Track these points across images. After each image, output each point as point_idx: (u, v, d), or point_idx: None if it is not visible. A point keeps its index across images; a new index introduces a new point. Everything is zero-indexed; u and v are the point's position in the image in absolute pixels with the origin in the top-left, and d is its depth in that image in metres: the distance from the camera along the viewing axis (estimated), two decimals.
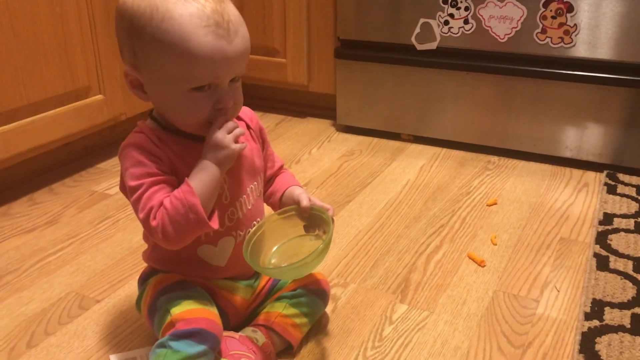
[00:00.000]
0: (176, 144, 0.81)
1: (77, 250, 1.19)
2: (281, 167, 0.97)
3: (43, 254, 1.17)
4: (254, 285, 0.92)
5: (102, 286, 1.08)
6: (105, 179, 1.49)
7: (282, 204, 0.92)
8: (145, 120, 0.84)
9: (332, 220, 0.85)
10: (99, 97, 1.48)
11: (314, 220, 0.87)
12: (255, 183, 0.89)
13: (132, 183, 0.78)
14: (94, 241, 1.22)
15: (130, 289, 1.07)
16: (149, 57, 0.76)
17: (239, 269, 0.89)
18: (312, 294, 0.92)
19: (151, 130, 0.81)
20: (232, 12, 0.76)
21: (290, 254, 0.86)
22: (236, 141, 0.78)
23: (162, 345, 0.78)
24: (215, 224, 0.77)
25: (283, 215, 0.88)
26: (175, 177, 0.80)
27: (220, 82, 0.76)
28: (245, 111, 0.92)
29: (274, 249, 0.87)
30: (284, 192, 0.92)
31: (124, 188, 0.82)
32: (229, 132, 0.78)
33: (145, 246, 0.94)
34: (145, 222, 0.78)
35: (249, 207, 0.88)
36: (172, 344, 0.77)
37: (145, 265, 0.93)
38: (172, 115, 0.80)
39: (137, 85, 0.80)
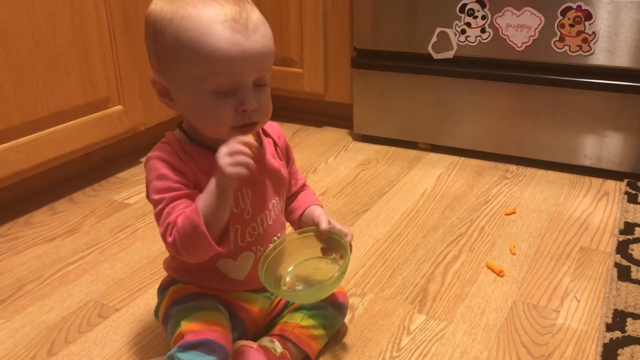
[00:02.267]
0: (202, 158, 0.80)
1: (96, 259, 1.20)
2: (304, 185, 0.97)
3: (63, 263, 1.19)
4: (271, 297, 0.92)
5: (121, 295, 1.09)
6: (125, 189, 1.50)
7: (301, 222, 0.93)
8: (173, 131, 0.84)
9: (350, 246, 0.85)
10: (119, 107, 1.49)
11: (332, 243, 0.87)
12: (277, 198, 0.89)
13: (155, 196, 0.79)
14: (114, 250, 1.23)
15: (149, 297, 1.07)
16: (170, 59, 0.76)
17: (259, 282, 0.89)
18: (331, 306, 0.92)
19: (178, 141, 0.81)
20: (253, 11, 0.76)
21: (304, 275, 0.87)
22: (241, 162, 0.73)
23: (171, 358, 0.78)
24: (225, 247, 0.77)
25: (301, 235, 0.89)
26: (199, 191, 0.79)
27: (241, 82, 0.75)
28: (274, 127, 0.91)
29: (290, 269, 0.87)
30: (304, 211, 0.93)
31: (149, 198, 0.83)
32: (231, 154, 0.73)
33: (166, 254, 0.94)
34: (163, 237, 0.79)
35: (270, 223, 0.88)
36: (181, 355, 0.77)
37: (165, 274, 0.93)
38: (196, 120, 0.79)
39: (165, 93, 0.80)
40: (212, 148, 0.79)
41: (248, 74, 0.75)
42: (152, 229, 1.31)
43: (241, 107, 0.75)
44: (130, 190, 1.50)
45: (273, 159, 0.88)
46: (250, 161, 0.73)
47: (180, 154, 0.80)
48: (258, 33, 0.75)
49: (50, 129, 1.34)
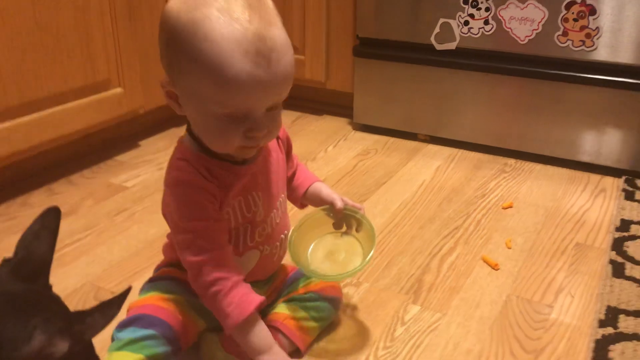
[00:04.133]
0: (223, 173, 0.79)
1: (93, 241, 1.20)
2: (297, 163, 0.98)
3: (60, 245, 1.18)
4: (264, 287, 0.92)
5: (117, 278, 1.09)
6: (123, 171, 1.50)
7: (305, 199, 0.94)
8: (183, 137, 0.81)
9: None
10: (119, 90, 1.49)
11: (344, 219, 0.91)
12: (283, 195, 0.89)
13: (186, 225, 0.77)
14: (111, 233, 1.23)
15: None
16: (183, 73, 0.72)
17: (258, 276, 0.90)
18: (324, 300, 0.92)
19: (196, 157, 0.78)
20: (278, 36, 0.69)
21: (327, 251, 0.91)
22: None
23: (112, 339, 0.79)
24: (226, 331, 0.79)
25: (317, 215, 0.92)
26: (222, 205, 0.79)
27: (254, 109, 0.72)
28: None
29: (310, 247, 0.91)
30: (308, 188, 0.94)
31: (168, 213, 0.82)
32: None
33: (163, 239, 0.94)
34: (191, 268, 0.77)
35: (278, 221, 0.88)
36: (118, 334, 0.78)
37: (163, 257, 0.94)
38: (202, 135, 0.76)
39: (173, 96, 0.76)
40: (229, 160, 0.79)
41: (263, 104, 0.72)
42: (150, 212, 1.31)
43: (250, 133, 0.72)
44: (128, 173, 1.50)
45: (277, 155, 0.87)
46: None
47: (202, 171, 0.77)
48: (280, 64, 0.69)
49: (50, 110, 1.34)
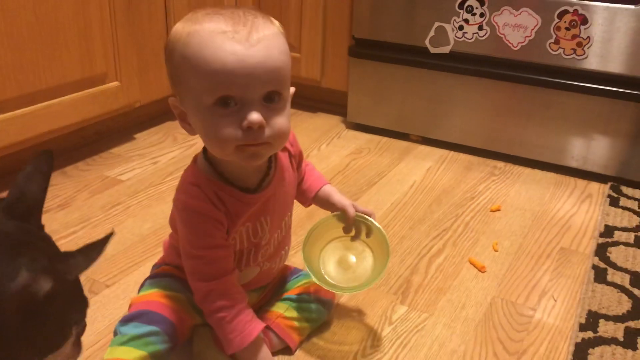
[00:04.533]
0: (233, 202, 0.79)
1: (88, 234, 1.22)
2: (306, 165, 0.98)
3: (55, 237, 1.17)
4: (259, 291, 0.94)
5: (112, 271, 1.11)
6: (118, 165, 1.52)
7: (314, 202, 0.96)
8: (197, 157, 0.82)
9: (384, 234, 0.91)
10: (115, 84, 1.50)
11: (354, 224, 0.92)
12: (289, 214, 0.90)
13: (194, 252, 0.79)
14: (105, 226, 1.25)
15: (139, 275, 1.09)
16: (178, 78, 0.74)
17: (254, 285, 0.92)
18: (317, 302, 0.94)
19: (208, 182, 0.78)
20: (263, 24, 0.71)
21: (338, 257, 0.93)
22: None
23: (115, 332, 0.81)
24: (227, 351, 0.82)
25: (328, 221, 0.93)
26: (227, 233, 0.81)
27: (246, 97, 0.70)
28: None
29: (321, 253, 0.92)
30: (317, 192, 0.94)
31: (174, 224, 0.84)
32: None
33: (163, 235, 0.96)
34: (197, 291, 0.81)
35: (280, 240, 0.89)
36: (121, 329, 0.80)
37: (162, 253, 0.95)
38: (205, 141, 0.76)
39: (184, 117, 0.76)
40: (241, 187, 0.80)
41: (251, 89, 0.70)
42: (144, 207, 1.33)
43: (244, 122, 0.70)
44: (123, 166, 1.51)
45: (289, 175, 0.87)
46: None
47: (212, 198, 0.77)
48: (262, 43, 0.69)
49: (46, 103, 1.35)
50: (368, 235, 0.92)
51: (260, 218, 0.83)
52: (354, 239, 0.93)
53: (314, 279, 0.88)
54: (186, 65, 0.71)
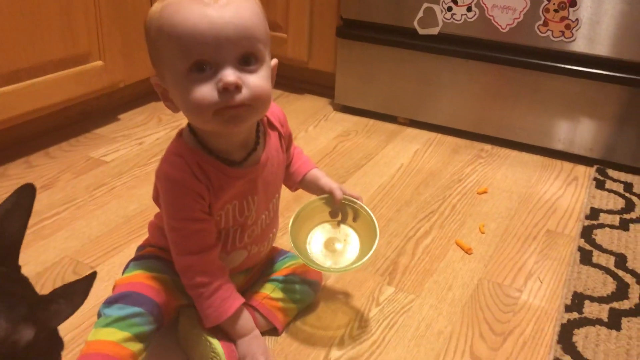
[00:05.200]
0: (216, 174, 0.78)
1: (72, 215, 1.20)
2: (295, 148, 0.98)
3: (38, 218, 1.19)
4: (246, 272, 0.94)
5: (96, 253, 1.09)
6: (102, 145, 1.50)
7: (301, 186, 0.95)
8: (183, 130, 0.82)
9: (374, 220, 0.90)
10: (99, 63, 1.48)
11: (341, 208, 0.92)
12: (277, 195, 0.90)
13: (173, 223, 0.79)
14: (90, 207, 1.23)
15: (124, 257, 1.08)
16: (155, 51, 0.74)
17: (240, 269, 0.91)
18: (304, 283, 0.94)
19: (191, 153, 0.78)
20: None
21: (326, 239, 0.92)
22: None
23: (98, 314, 0.80)
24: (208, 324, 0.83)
25: (314, 204, 0.92)
26: (212, 205, 0.80)
27: (219, 59, 0.70)
28: (279, 115, 0.88)
29: (309, 236, 0.91)
30: (305, 175, 0.94)
31: (157, 199, 0.83)
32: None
33: (147, 217, 0.95)
34: (178, 265, 0.81)
35: (268, 222, 0.89)
36: (105, 310, 0.79)
37: (147, 234, 0.94)
38: (184, 112, 0.75)
39: (166, 95, 0.77)
40: (225, 159, 0.79)
41: (224, 50, 0.70)
42: (129, 188, 1.31)
43: (220, 83, 0.70)
44: (107, 147, 1.49)
45: (278, 155, 0.87)
46: None
47: (194, 169, 0.77)
48: (232, 5, 0.70)
49: (29, 82, 1.32)
50: (355, 219, 0.92)
51: (247, 197, 0.82)
52: (341, 222, 0.92)
53: (301, 259, 0.87)
54: (161, 37, 0.72)
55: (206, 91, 0.70)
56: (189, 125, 0.81)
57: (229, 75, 0.70)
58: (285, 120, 0.90)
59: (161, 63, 0.74)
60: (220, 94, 0.70)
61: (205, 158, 0.78)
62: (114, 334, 0.76)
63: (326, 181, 0.92)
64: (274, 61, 0.79)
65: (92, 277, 0.60)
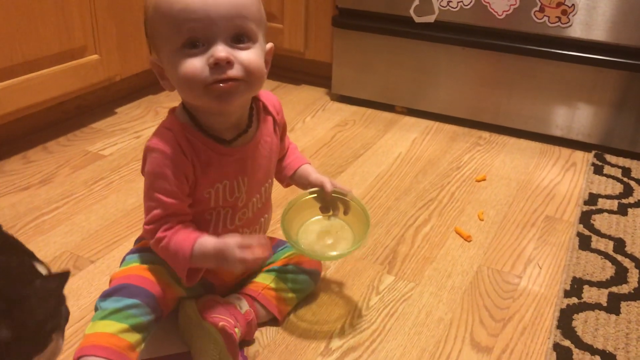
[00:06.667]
0: (204, 150, 0.79)
1: (71, 210, 1.20)
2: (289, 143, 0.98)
3: (38, 213, 1.19)
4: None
5: (96, 247, 1.10)
6: (99, 139, 1.49)
7: (293, 181, 0.95)
8: (176, 108, 0.82)
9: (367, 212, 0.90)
10: (95, 57, 1.47)
11: (330, 202, 0.91)
12: (270, 181, 0.90)
13: (150, 193, 0.79)
14: (88, 202, 1.23)
15: (124, 250, 1.07)
16: (151, 31, 0.76)
17: None
18: (304, 272, 0.94)
19: (181, 127, 0.79)
20: None
21: (316, 232, 0.91)
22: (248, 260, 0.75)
23: (95, 308, 0.81)
24: (190, 283, 0.81)
25: (305, 198, 0.92)
26: (194, 186, 0.80)
27: (210, 35, 0.72)
28: (274, 103, 0.89)
29: (299, 228, 0.91)
30: (296, 170, 0.94)
31: (143, 172, 0.83)
32: (241, 247, 0.75)
33: (141, 209, 0.95)
34: (147, 233, 0.80)
35: (259, 206, 0.89)
36: (101, 304, 0.80)
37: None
38: (177, 88, 0.77)
39: (162, 74, 0.78)
40: (214, 136, 0.79)
41: (215, 27, 0.72)
42: (127, 182, 1.31)
43: (211, 58, 0.71)
44: (104, 141, 1.49)
45: (271, 140, 0.87)
46: (257, 261, 0.75)
47: (182, 144, 0.78)
48: None
49: (25, 77, 1.32)
50: (346, 212, 0.91)
51: (238, 177, 0.83)
52: (332, 216, 0.92)
53: (295, 248, 0.87)
54: (156, 14, 0.74)
55: (198, 66, 0.72)
56: (182, 102, 0.82)
57: (221, 50, 0.72)
58: (280, 109, 0.90)
59: (157, 40, 0.76)
60: (212, 69, 0.72)
61: (195, 134, 0.79)
62: (111, 326, 0.76)
63: (317, 176, 0.93)
64: (270, 45, 0.81)
65: (65, 278, 0.59)
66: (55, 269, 1.02)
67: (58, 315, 0.65)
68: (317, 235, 0.91)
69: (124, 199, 1.25)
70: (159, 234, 0.79)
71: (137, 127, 1.56)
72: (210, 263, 0.79)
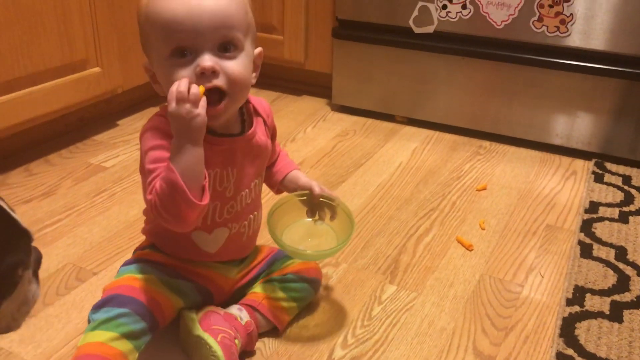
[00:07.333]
0: None
1: (74, 222, 1.21)
2: (280, 151, 0.99)
3: (40, 225, 1.19)
4: (239, 265, 0.94)
5: (99, 258, 1.10)
6: (101, 152, 1.50)
7: (282, 186, 0.96)
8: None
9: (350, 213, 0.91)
10: (97, 69, 1.48)
11: (317, 206, 0.93)
12: (259, 179, 0.91)
13: (149, 166, 0.79)
14: (91, 214, 1.24)
15: None
16: (144, 37, 0.79)
17: (229, 256, 0.92)
18: (303, 281, 0.94)
19: None
20: None
21: (300, 235, 0.92)
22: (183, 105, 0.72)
23: (88, 321, 0.81)
24: (205, 199, 0.75)
25: (293, 200, 0.93)
26: None
27: (197, 45, 0.74)
28: (264, 106, 0.91)
29: (285, 230, 0.91)
30: (286, 175, 0.96)
31: (143, 170, 0.83)
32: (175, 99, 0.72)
33: (143, 220, 0.95)
34: (149, 205, 0.79)
35: (249, 202, 0.89)
36: (93, 316, 0.81)
37: (143, 238, 0.95)
38: (167, 94, 0.77)
39: (154, 78, 0.81)
40: (207, 130, 0.79)
41: (202, 37, 0.74)
42: (130, 193, 1.32)
43: (197, 68, 0.74)
44: (106, 153, 1.49)
45: (264, 139, 0.89)
46: (196, 109, 0.72)
47: None
48: None
49: (27, 90, 1.33)
50: (332, 218, 0.93)
51: (227, 167, 0.84)
52: (318, 221, 0.94)
53: (276, 242, 0.87)
54: (147, 23, 0.78)
55: (184, 75, 0.75)
56: None
57: (207, 60, 0.74)
58: (271, 113, 0.93)
59: (149, 47, 0.79)
60: (198, 78, 0.75)
61: None
62: (101, 335, 0.77)
63: (306, 180, 0.95)
64: (258, 50, 0.83)
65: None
66: (58, 281, 1.03)
67: (18, 248, 0.60)
68: (300, 237, 0.92)
69: (126, 211, 1.25)
70: (152, 196, 0.76)
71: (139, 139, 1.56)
72: (189, 152, 0.73)
